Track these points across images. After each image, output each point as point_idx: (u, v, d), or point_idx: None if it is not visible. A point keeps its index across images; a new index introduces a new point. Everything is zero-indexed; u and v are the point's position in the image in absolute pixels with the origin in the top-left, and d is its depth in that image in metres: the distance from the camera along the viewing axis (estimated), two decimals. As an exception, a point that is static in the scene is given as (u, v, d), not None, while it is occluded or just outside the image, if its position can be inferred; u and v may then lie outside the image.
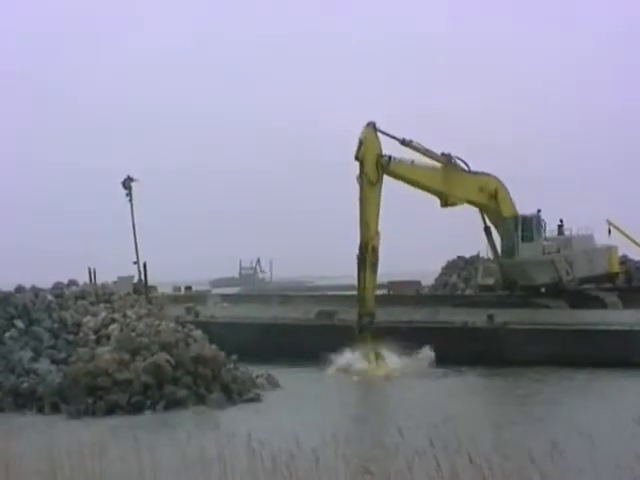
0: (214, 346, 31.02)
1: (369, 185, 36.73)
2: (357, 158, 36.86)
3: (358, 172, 36.90)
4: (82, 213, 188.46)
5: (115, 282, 42.81)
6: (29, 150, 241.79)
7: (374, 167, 37.00)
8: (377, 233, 37.04)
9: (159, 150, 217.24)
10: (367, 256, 36.58)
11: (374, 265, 36.93)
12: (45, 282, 35.26)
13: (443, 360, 35.33)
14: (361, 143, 36.85)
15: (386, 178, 37.94)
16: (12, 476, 11.67)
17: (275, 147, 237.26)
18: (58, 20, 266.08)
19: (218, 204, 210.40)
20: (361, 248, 36.84)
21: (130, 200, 45.29)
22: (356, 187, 37.19)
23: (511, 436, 19.46)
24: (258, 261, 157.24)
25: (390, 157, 37.75)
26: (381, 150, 37.59)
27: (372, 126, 37.31)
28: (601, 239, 45.68)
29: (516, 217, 42.16)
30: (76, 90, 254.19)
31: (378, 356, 36.09)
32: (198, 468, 10.49)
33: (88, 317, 33.16)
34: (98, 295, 36.06)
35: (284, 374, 33.72)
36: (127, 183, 45.33)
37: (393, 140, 38.51)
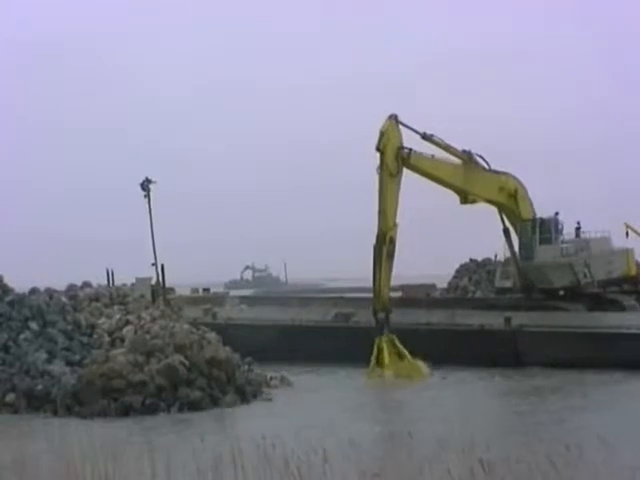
0: (228, 348, 31.08)
1: (389, 176, 36.35)
2: (378, 149, 36.46)
3: (378, 163, 36.49)
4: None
5: (133, 284, 42.85)
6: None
7: (394, 159, 36.62)
8: (395, 224, 36.56)
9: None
10: (384, 247, 36.02)
11: (391, 256, 36.28)
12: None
13: (458, 362, 35.21)
14: (382, 134, 36.49)
15: (406, 178, 37.58)
16: (28, 478, 11.73)
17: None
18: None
19: (230, 204, 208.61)
20: (378, 238, 36.18)
21: (148, 202, 45.24)
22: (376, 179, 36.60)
23: (526, 440, 19.38)
24: (247, 267, 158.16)
25: (411, 150, 37.43)
26: (402, 142, 37.27)
27: (394, 118, 36.99)
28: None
29: (534, 219, 41.95)
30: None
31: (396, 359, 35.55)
32: (211, 470, 10.53)
33: (102, 319, 33.30)
34: (112, 297, 36.22)
35: (300, 376, 33.70)
36: (145, 185, 45.18)
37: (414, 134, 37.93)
